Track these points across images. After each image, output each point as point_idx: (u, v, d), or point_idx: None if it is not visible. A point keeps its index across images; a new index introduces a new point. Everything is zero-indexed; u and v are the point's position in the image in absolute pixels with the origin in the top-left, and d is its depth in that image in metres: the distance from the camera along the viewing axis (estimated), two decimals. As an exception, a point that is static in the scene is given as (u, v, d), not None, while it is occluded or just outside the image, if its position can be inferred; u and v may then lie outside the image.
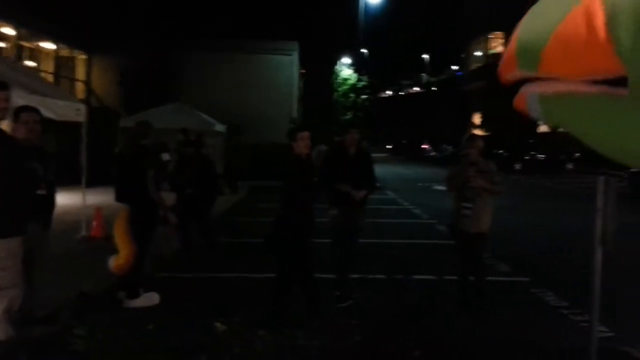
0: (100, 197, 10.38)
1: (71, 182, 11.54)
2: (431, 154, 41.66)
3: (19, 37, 18.22)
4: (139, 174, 4.95)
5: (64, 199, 10.33)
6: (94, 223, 7.95)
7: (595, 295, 3.87)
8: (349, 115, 28.14)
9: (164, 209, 5.24)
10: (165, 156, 9.26)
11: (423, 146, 54.27)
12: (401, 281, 6.10)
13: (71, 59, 22.50)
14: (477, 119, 40.45)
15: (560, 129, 1.18)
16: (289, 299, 4.50)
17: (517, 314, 5.17)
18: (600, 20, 0.88)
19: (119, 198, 5.14)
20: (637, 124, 0.87)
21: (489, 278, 5.45)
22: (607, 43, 0.85)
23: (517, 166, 26.93)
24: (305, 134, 4.65)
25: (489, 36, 42.08)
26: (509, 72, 1.22)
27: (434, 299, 5.53)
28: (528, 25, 1.13)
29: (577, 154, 27.80)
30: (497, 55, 41.03)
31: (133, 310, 4.80)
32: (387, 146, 60.19)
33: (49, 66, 20.94)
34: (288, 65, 24.40)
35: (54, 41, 20.31)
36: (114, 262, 4.84)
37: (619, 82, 0.87)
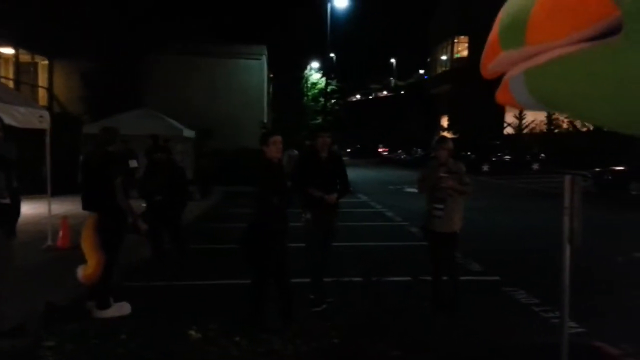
0: (65, 206, 10.11)
1: (35, 191, 11.20)
2: (401, 157, 42.08)
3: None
4: (106, 182, 4.83)
5: (29, 209, 10.03)
6: (60, 233, 7.73)
7: (565, 292, 3.96)
8: (319, 120, 28.22)
9: (133, 217, 5.13)
10: (133, 163, 9.08)
11: (380, 149, 55.29)
12: (376, 283, 6.13)
13: (32, 64, 21.89)
14: (444, 121, 41.11)
15: (551, 108, 1.16)
16: (265, 305, 4.46)
17: (489, 312, 5.26)
18: None
19: (85, 206, 5.00)
20: (633, 68, 0.85)
21: (462, 277, 5.53)
22: None
23: (485, 167, 27.46)
24: (277, 138, 4.63)
25: (454, 40, 42.85)
26: (491, 60, 1.17)
27: (409, 299, 5.58)
28: (509, 6, 1.10)
29: (542, 155, 28.59)
30: (462, 60, 41.89)
31: (104, 320, 4.68)
32: (347, 150, 60.53)
33: (9, 72, 20.32)
34: (257, 69, 24.32)
35: (14, 46, 19.72)
36: (83, 272, 4.72)
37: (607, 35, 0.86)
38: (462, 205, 5.16)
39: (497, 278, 6.49)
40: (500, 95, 1.24)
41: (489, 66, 1.20)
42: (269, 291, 4.47)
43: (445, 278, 5.23)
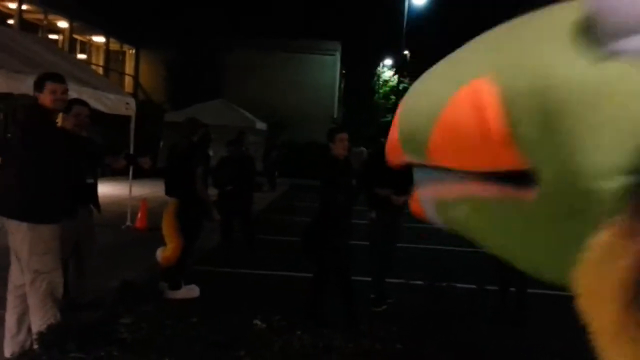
0: (145, 189, 10.69)
1: (118, 173, 11.89)
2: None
3: (71, 30, 18.93)
4: (189, 170, 5.08)
5: (112, 190, 10.69)
6: (139, 214, 8.18)
7: None
8: (389, 118, 27.96)
9: (208, 206, 5.35)
10: (210, 152, 9.43)
11: None
12: (440, 288, 6.03)
13: (121, 53, 23.23)
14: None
15: (463, 236, 0.95)
16: (326, 300, 4.50)
17: (557, 329, 5.03)
18: (493, 110, 0.71)
19: (168, 192, 5.28)
20: (544, 232, 0.73)
21: (531, 290, 5.32)
22: (505, 136, 0.70)
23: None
24: (344, 135, 4.57)
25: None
26: (396, 157, 1.02)
27: (474, 308, 5.44)
28: (410, 107, 0.93)
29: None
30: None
31: (174, 301, 4.92)
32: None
33: (99, 59, 21.66)
34: (330, 65, 24.46)
35: (105, 35, 20.99)
36: (162, 254, 4.98)
37: (523, 177, 0.72)
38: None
39: (570, 294, 6.18)
40: (413, 207, 1.09)
41: (395, 160, 1.04)
42: (329, 287, 4.51)
43: (513, 289, 5.06)
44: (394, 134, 0.98)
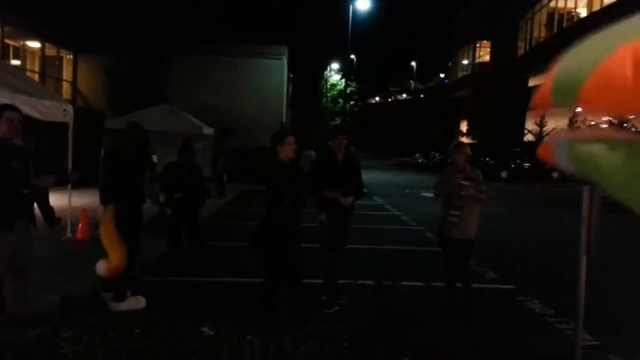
0: (85, 199, 10.29)
1: (56, 183, 11.31)
2: (419, 160, 41.85)
3: (4, 35, 18.02)
4: (136, 173, 4.97)
5: (50, 200, 10.21)
6: (80, 225, 7.87)
7: (580, 303, 3.93)
8: (337, 121, 28.22)
9: (159, 205, 5.28)
10: (154, 158, 9.19)
11: None
12: (389, 287, 6.12)
13: (58, 58, 22.30)
14: (464, 126, 40.80)
15: (588, 179, 1.15)
16: (276, 305, 4.47)
17: (503, 321, 5.22)
18: None
19: (103, 200, 5.12)
20: None
21: (476, 285, 5.50)
22: None
23: (503, 174, 27.20)
24: (291, 138, 4.56)
25: (477, 45, 42.50)
26: (543, 105, 1.23)
27: (422, 305, 5.56)
28: (566, 65, 1.11)
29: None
30: (484, 64, 41.52)
31: (119, 313, 4.76)
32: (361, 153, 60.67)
33: (35, 65, 20.73)
34: (277, 69, 24.42)
35: (40, 40, 20.12)
36: (107, 265, 4.72)
37: None
38: (478, 212, 5.14)
39: (512, 287, 6.43)
40: (542, 152, 1.30)
41: (538, 105, 1.25)
42: (280, 292, 4.48)
43: (459, 285, 5.21)
44: (545, 88, 1.15)
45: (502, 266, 7.42)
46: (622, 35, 0.99)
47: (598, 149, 1.02)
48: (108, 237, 4.69)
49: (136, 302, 5.01)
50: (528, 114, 32.85)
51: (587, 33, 1.21)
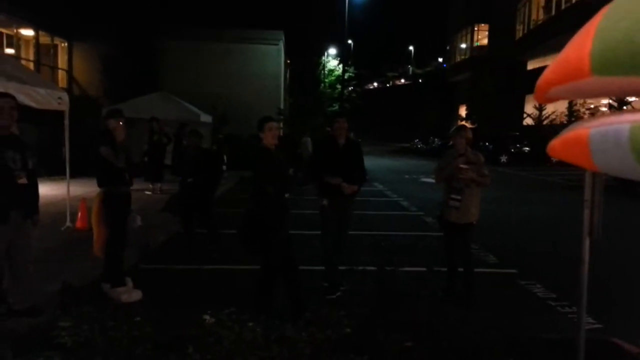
0: (85, 188, 10.23)
1: (55, 172, 11.31)
2: (418, 146, 41.69)
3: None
4: (96, 156, 4.93)
5: (49, 190, 10.16)
6: (79, 214, 7.82)
7: (583, 286, 3.89)
8: (335, 107, 28.07)
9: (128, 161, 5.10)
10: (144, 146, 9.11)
11: None
12: (390, 273, 6.10)
13: (52, 47, 22.07)
14: (463, 111, 40.64)
15: None
16: (273, 292, 4.43)
17: (505, 305, 5.21)
18: None
19: (98, 184, 5.13)
20: None
21: (477, 269, 5.47)
22: None
23: (503, 158, 27.14)
24: (273, 124, 4.43)
25: (475, 28, 42.17)
26: (565, 83, 0.95)
27: (423, 290, 5.54)
28: (614, 21, 0.86)
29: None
30: (482, 48, 41.22)
31: (118, 302, 4.73)
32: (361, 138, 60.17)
33: (29, 54, 20.52)
34: (274, 55, 24.22)
35: (34, 28, 19.89)
36: (95, 246, 4.99)
37: None
38: (479, 196, 5.09)
39: (513, 271, 6.42)
40: (559, 148, 1.06)
41: (554, 89, 0.97)
42: (276, 279, 4.43)
43: (460, 269, 5.19)
44: (580, 51, 0.91)
45: (503, 250, 7.40)
46: None
47: None
48: (94, 219, 5.04)
49: (130, 296, 4.95)
50: (527, 97, 32.71)
51: (586, 15, 1.01)
